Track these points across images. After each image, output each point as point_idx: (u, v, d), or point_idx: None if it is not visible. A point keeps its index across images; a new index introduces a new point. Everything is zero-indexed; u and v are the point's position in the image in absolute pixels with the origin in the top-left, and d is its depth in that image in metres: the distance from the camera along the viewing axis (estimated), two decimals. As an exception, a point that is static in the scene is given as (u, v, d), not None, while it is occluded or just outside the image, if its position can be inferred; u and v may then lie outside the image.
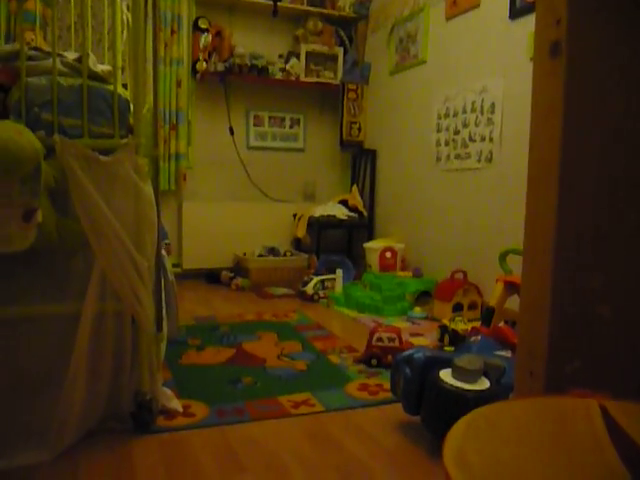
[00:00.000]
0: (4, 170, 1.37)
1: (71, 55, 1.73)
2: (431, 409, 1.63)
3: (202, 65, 4.15)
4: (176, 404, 1.86)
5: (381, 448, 1.67)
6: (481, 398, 1.54)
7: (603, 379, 0.80)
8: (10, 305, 1.61)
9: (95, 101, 1.62)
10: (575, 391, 0.67)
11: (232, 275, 4.18)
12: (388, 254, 3.78)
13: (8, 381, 1.62)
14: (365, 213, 4.46)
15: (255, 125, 4.59)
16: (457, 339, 2.60)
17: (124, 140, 1.62)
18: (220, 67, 4.23)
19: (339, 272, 3.80)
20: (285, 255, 4.34)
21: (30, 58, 1.61)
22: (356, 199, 4.49)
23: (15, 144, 1.36)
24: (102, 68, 1.73)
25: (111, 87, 1.65)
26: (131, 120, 1.69)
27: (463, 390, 1.57)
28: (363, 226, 4.49)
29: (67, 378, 1.58)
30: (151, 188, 1.66)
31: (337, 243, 4.69)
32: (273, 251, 4.37)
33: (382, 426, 1.81)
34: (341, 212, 4.36)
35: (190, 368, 2.31)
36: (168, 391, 1.88)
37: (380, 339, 2.38)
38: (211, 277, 4.26)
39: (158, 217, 1.69)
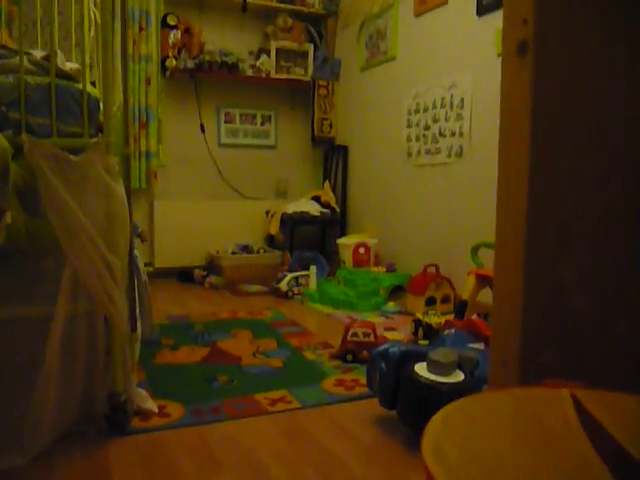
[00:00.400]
0: (-29, 171, 1.35)
1: (38, 53, 1.70)
2: (407, 403, 1.65)
3: (172, 62, 4.11)
4: (151, 405, 1.84)
5: (358, 443, 1.68)
6: (455, 391, 1.56)
7: (576, 369, 0.82)
8: (-21, 308, 1.58)
9: (64, 100, 1.59)
10: (548, 381, 0.69)
11: (205, 273, 4.16)
12: (361, 250, 3.80)
13: (-21, 386, 1.59)
14: (338, 209, 4.48)
15: (226, 122, 4.56)
16: (431, 332, 2.63)
17: (94, 139, 1.60)
18: (190, 64, 4.19)
19: (313, 268, 3.80)
20: (258, 252, 4.33)
21: (-4, 56, 1.58)
22: (328, 195, 4.50)
23: (-18, 144, 1.33)
24: (70, 66, 1.70)
25: (80, 85, 1.63)
26: (101, 118, 1.67)
27: (438, 383, 1.59)
28: (336, 222, 4.50)
29: (39, 380, 1.56)
30: (122, 187, 1.64)
31: (310, 239, 4.70)
32: (246, 248, 4.36)
33: (359, 421, 1.82)
34: (314, 208, 4.37)
35: (165, 368, 2.30)
36: (143, 392, 1.86)
37: (355, 334, 2.40)
38: (184, 276, 4.23)
39: (130, 216, 1.67)
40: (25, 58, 1.57)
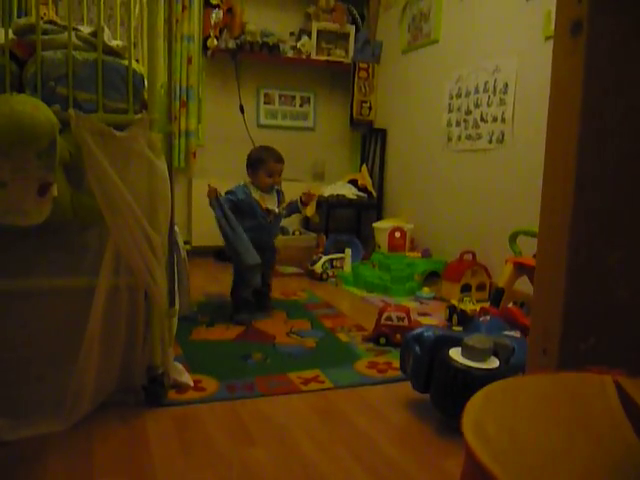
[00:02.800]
0: (20, 144, 1.39)
1: (86, 29, 1.73)
2: (440, 387, 1.64)
3: (213, 42, 4.13)
4: (187, 378, 1.88)
5: (390, 425, 1.69)
6: (490, 377, 1.55)
7: (618, 357, 0.81)
8: (25, 278, 1.63)
9: (109, 76, 1.61)
10: (590, 368, 0.68)
11: (241, 253, 4.19)
12: (397, 234, 3.78)
13: (24, 353, 1.65)
14: (374, 193, 4.46)
15: (265, 103, 4.57)
16: (465, 319, 2.61)
17: (138, 115, 1.62)
18: (231, 44, 4.20)
19: (348, 251, 3.81)
20: (294, 234, 4.35)
21: (45, 32, 1.61)
22: (365, 179, 4.48)
23: (31, 118, 1.36)
24: (116, 43, 1.73)
25: (125, 62, 1.65)
26: (145, 96, 1.69)
27: (472, 368, 1.58)
28: (372, 206, 4.48)
29: (81, 351, 1.60)
30: (165, 164, 1.66)
31: (346, 222, 4.70)
32: (282, 230, 4.37)
33: (391, 403, 1.83)
34: (350, 192, 4.36)
35: (200, 344, 2.34)
36: (179, 365, 1.90)
37: (389, 318, 2.40)
38: (220, 255, 4.28)
39: (172, 193, 1.70)
40: (73, 34, 1.60)
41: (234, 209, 2.73)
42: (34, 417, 1.57)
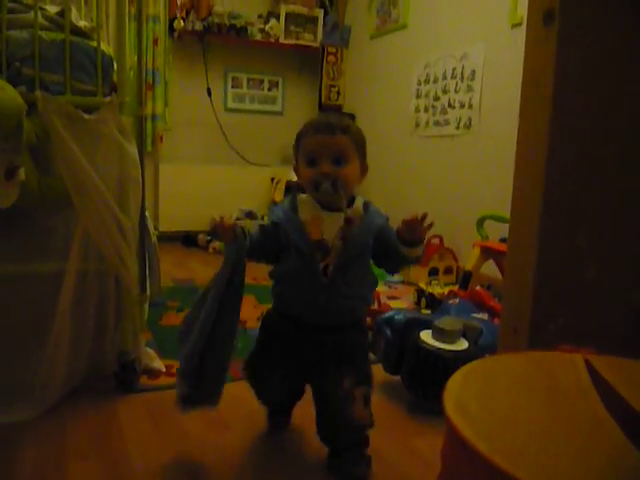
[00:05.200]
0: (-14, 126, 1.35)
1: (53, 9, 1.68)
2: (411, 369, 1.68)
3: (180, 23, 4.05)
4: (159, 364, 1.88)
5: (361, 406, 1.71)
6: (460, 358, 1.59)
7: (587, 337, 0.84)
8: (-9, 264, 1.59)
9: (78, 57, 1.58)
10: (562, 346, 0.71)
11: (209, 238, 4.18)
12: (366, 219, 3.80)
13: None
14: (343, 178, 4.46)
15: (233, 87, 4.53)
16: (433, 302, 2.65)
17: (108, 98, 1.60)
18: (198, 26, 4.14)
19: (317, 236, 3.80)
20: (262, 219, 4.34)
21: (10, 10, 1.56)
22: (334, 164, 4.48)
23: (-3, 99, 1.33)
24: (84, 23, 1.69)
25: (93, 43, 1.62)
26: (114, 78, 1.66)
27: (442, 350, 1.61)
28: (341, 191, 4.49)
29: (51, 337, 1.58)
30: (135, 148, 1.64)
31: (314, 208, 4.69)
32: (251, 215, 4.36)
33: (362, 385, 1.85)
34: (319, 177, 4.35)
35: (171, 329, 2.33)
36: (151, 351, 1.89)
37: (359, 302, 2.42)
38: (188, 240, 4.25)
39: (142, 177, 1.68)
40: (39, 13, 1.56)
41: (264, 242, 1.43)
42: (3, 404, 1.55)
